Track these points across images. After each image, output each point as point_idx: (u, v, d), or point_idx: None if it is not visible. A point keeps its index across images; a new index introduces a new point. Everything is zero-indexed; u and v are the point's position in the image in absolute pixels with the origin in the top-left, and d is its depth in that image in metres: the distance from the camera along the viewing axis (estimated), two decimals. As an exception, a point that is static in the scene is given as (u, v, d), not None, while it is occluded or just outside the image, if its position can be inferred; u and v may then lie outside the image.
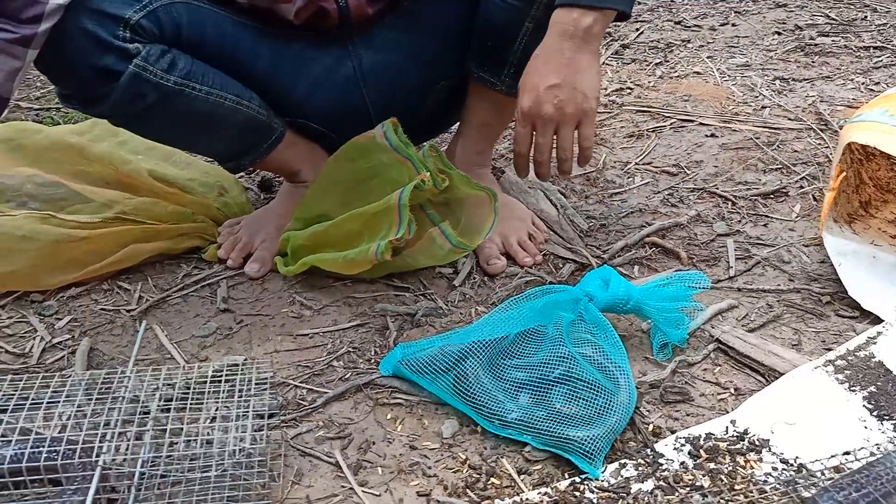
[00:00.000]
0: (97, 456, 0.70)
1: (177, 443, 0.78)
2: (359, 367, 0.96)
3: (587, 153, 1.01)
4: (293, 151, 1.16)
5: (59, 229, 1.09)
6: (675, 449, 0.81)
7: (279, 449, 0.83)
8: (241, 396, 0.81)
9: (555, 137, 0.99)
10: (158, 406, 0.84)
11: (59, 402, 0.82)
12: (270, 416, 0.86)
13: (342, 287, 1.11)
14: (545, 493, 0.77)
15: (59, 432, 0.81)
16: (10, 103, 0.89)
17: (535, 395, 0.85)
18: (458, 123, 1.22)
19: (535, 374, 0.86)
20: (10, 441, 0.72)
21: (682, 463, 0.79)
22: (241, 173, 1.40)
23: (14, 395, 0.81)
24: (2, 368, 0.97)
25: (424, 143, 1.09)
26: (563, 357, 0.86)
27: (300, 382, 0.93)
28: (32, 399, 0.81)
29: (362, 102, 1.13)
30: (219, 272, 1.16)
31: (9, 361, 0.99)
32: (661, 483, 0.77)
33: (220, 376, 0.84)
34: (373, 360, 0.97)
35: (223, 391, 0.81)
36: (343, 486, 0.80)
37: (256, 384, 0.84)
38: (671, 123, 1.56)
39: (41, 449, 0.71)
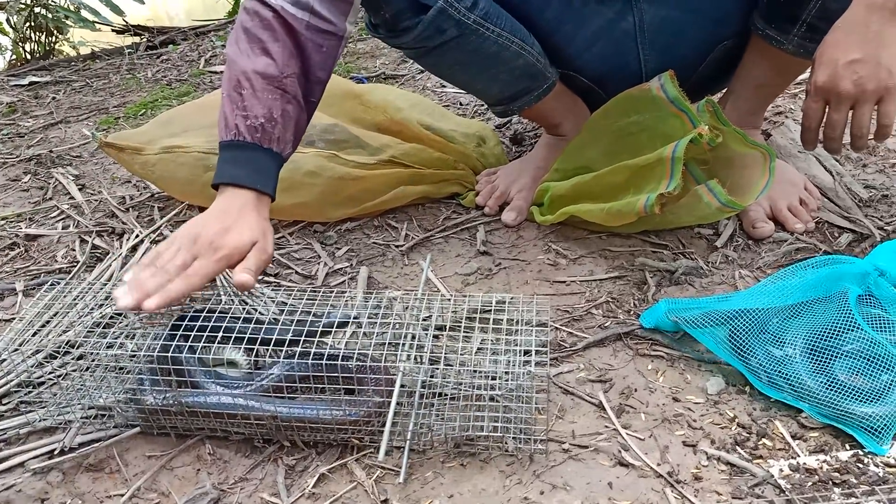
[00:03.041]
0: (398, 362, 0.78)
1: (455, 366, 0.84)
2: (618, 317, 0.97)
3: (886, 131, 0.93)
4: (559, 103, 1.18)
5: (342, 168, 1.20)
6: (976, 435, 0.74)
7: (544, 385, 0.87)
8: (517, 330, 0.85)
9: (850, 113, 0.93)
10: (436, 331, 0.91)
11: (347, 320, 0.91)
12: (537, 352, 0.90)
13: (597, 239, 1.13)
14: (824, 461, 0.74)
15: (349, 346, 0.91)
16: (347, 35, 1.00)
17: (816, 361, 0.82)
18: (731, 82, 1.17)
19: (817, 342, 0.83)
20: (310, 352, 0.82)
21: None
22: (495, 126, 1.46)
23: (309, 311, 0.92)
24: (293, 287, 1.09)
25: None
26: (849, 329, 0.82)
27: (560, 325, 0.97)
28: (324, 315, 0.90)
29: (636, 59, 1.12)
30: (476, 217, 1.23)
31: (298, 281, 1.12)
32: (962, 468, 0.71)
33: (502, 309, 0.89)
34: (632, 312, 0.98)
35: (504, 322, 0.86)
36: (606, 427, 0.82)
37: (529, 322, 0.88)
38: (964, 92, 1.39)
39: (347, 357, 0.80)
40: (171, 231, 1.23)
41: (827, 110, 0.94)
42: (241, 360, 0.85)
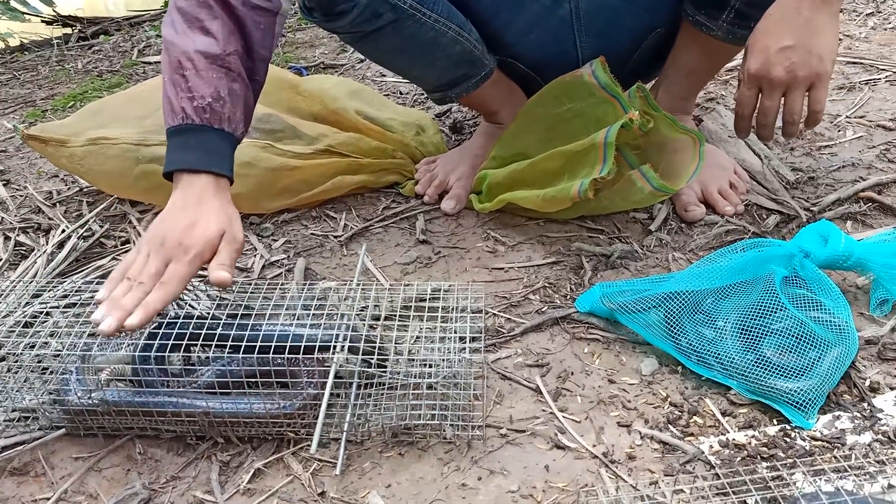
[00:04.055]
0: (332, 353, 0.77)
1: (390, 355, 0.83)
2: (555, 302, 0.98)
3: (816, 117, 0.96)
4: (497, 90, 1.18)
5: (277, 158, 1.18)
6: (895, 405, 0.77)
7: (481, 371, 0.87)
8: (453, 318, 0.85)
9: (782, 100, 0.95)
10: (374, 320, 0.90)
11: (280, 312, 0.90)
12: (473, 339, 0.90)
13: (535, 226, 1.13)
14: (753, 436, 0.76)
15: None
16: (283, 12, 0.97)
17: (745, 339, 0.84)
18: (664, 68, 1.18)
19: (745, 320, 0.84)
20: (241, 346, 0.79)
21: (905, 420, 0.75)
22: (434, 115, 1.45)
23: (242, 304, 0.90)
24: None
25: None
26: (776, 309, 0.84)
27: (498, 311, 0.97)
28: (258, 308, 0.88)
29: (573, 46, 1.13)
30: (415, 206, 1.22)
31: (233, 275, 1.09)
32: (880, 437, 0.74)
33: (431, 296, 0.88)
34: (568, 297, 0.98)
35: (439, 310, 0.85)
36: (544, 410, 0.82)
37: (465, 309, 0.88)
38: (886, 76, 1.44)
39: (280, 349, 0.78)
40: (101, 226, 1.20)
41: (760, 98, 0.96)
42: (172, 357, 0.83)
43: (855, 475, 0.69)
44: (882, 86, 1.42)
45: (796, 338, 0.81)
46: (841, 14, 1.76)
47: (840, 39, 1.63)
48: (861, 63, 1.51)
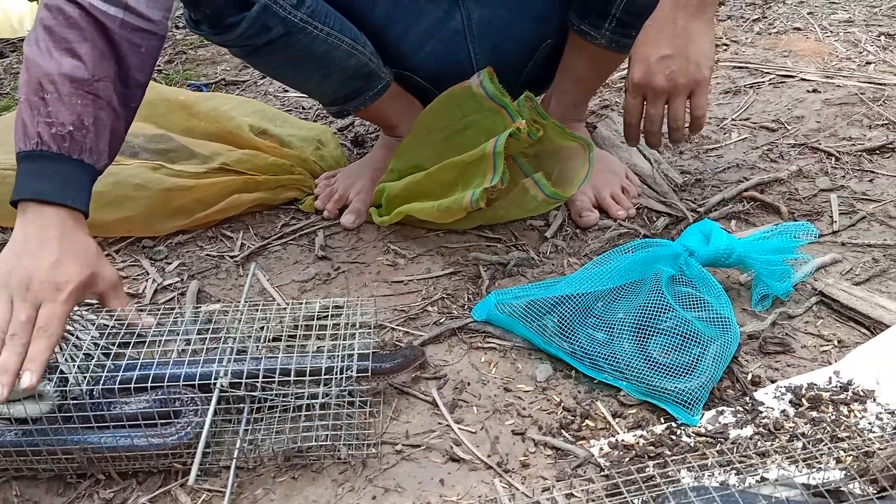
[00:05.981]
0: (215, 379, 0.75)
1: (282, 376, 0.81)
2: (453, 313, 0.98)
3: (699, 122, 1.00)
4: (395, 104, 1.18)
5: (170, 178, 1.14)
6: (775, 398, 0.80)
7: (377, 387, 0.86)
8: (344, 335, 0.84)
9: (666, 107, 0.98)
10: (265, 342, 0.88)
11: (173, 337, 0.86)
12: (364, 356, 0.88)
13: (435, 237, 1.13)
14: (641, 436, 0.77)
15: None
16: (165, 34, 0.93)
17: (634, 341, 0.85)
18: (555, 77, 1.20)
19: (634, 321, 0.86)
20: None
21: (783, 411, 0.78)
22: (336, 129, 1.44)
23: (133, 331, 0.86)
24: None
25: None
26: (663, 309, 0.85)
27: (396, 325, 0.96)
28: (149, 334, 0.85)
29: (468, 58, 1.13)
30: (316, 222, 1.20)
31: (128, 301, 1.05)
32: (761, 429, 0.76)
33: (326, 314, 0.87)
34: (466, 307, 0.98)
35: (329, 327, 0.84)
36: (440, 423, 0.82)
37: (357, 325, 0.86)
38: (770, 79, 1.51)
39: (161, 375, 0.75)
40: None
41: (645, 106, 0.99)
42: (48, 392, 0.79)
43: (725, 470, 0.70)
44: (766, 89, 1.48)
45: (681, 336, 0.83)
46: (728, 20, 1.84)
47: (727, 45, 1.70)
48: (746, 67, 1.57)
